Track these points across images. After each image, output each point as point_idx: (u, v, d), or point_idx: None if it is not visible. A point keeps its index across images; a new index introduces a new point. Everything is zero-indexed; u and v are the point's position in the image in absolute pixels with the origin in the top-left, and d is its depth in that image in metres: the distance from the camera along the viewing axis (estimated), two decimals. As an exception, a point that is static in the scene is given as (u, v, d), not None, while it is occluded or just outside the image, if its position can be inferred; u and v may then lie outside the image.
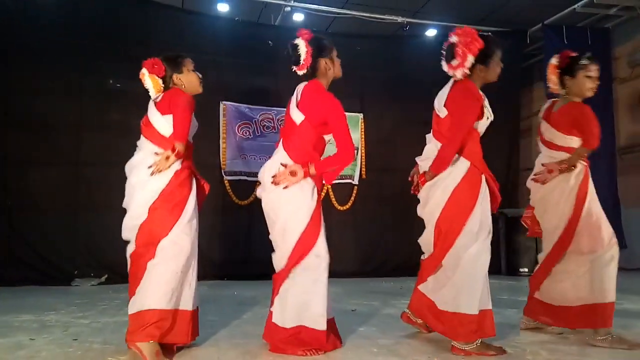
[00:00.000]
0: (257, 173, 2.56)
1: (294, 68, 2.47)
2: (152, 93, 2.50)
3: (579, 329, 2.74)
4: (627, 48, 6.74)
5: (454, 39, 2.52)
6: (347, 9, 6.49)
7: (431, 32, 7.07)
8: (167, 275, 2.22)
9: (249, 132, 5.73)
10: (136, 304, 2.21)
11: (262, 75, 5.91)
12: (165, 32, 5.56)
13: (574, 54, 2.83)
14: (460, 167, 2.43)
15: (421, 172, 2.59)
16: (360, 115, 6.28)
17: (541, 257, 2.86)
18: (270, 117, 5.83)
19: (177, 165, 2.32)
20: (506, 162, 6.69)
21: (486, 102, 2.53)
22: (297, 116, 2.40)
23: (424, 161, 2.58)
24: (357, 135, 6.24)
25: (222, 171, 5.56)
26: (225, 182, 5.57)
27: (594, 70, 2.76)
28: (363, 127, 6.27)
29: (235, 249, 5.56)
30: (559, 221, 2.71)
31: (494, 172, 6.26)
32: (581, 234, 2.66)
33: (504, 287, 4.93)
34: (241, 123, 5.71)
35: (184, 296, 2.30)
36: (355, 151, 6.21)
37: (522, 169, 7.09)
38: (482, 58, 2.48)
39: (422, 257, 2.69)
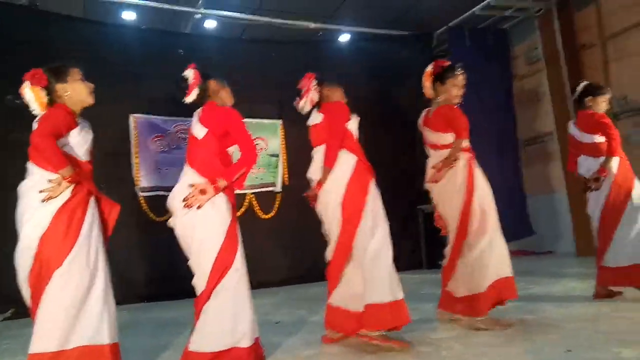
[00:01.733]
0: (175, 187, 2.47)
1: (184, 99, 2.53)
2: (35, 108, 2.29)
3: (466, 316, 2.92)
4: (524, 47, 7.26)
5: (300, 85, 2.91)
6: (260, 15, 6.45)
7: (345, 37, 7.21)
8: (56, 313, 2.06)
9: (164, 144, 5.51)
10: (31, 344, 2.04)
11: (175, 85, 5.69)
12: (69, 43, 5.21)
13: (447, 64, 3.13)
14: (347, 162, 2.65)
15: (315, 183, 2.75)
16: (280, 122, 6.26)
17: (447, 251, 3.05)
18: (186, 128, 5.62)
19: (67, 192, 2.15)
20: (421, 161, 6.94)
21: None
22: (200, 131, 2.42)
23: (315, 172, 2.74)
24: (277, 142, 6.22)
25: (136, 187, 5.31)
26: (141, 198, 5.32)
27: (461, 80, 3.05)
28: (283, 133, 6.25)
29: (157, 268, 5.32)
30: (455, 215, 2.93)
31: (409, 172, 6.46)
32: (472, 225, 2.87)
33: (425, 281, 5.10)
34: (155, 136, 5.48)
35: (83, 331, 2.11)
36: (276, 158, 6.27)
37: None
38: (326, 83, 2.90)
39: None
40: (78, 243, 2.13)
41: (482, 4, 6.39)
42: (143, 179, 5.33)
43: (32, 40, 5.05)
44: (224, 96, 2.58)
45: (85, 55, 5.16)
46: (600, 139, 3.29)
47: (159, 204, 5.37)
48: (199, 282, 2.31)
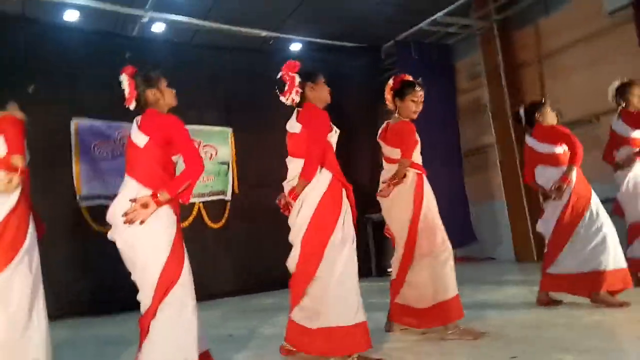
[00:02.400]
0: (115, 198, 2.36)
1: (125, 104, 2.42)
2: None
3: (436, 327, 2.95)
4: (467, 62, 7.58)
5: (279, 74, 2.73)
6: (210, 20, 6.36)
7: (296, 46, 7.25)
8: None
9: (108, 151, 5.29)
10: None
11: (120, 89, 5.49)
12: (5, 43, 4.92)
13: (407, 79, 3.16)
14: (323, 179, 2.57)
15: (287, 191, 2.66)
16: (230, 129, 6.19)
17: (394, 262, 3.08)
18: (131, 134, 5.46)
19: (13, 199, 2.03)
20: (370, 170, 7.06)
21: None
22: (141, 139, 2.27)
23: (290, 182, 2.66)
24: (227, 150, 6.14)
25: (77, 196, 5.06)
26: (82, 208, 5.07)
27: (419, 96, 3.10)
28: (233, 140, 6.18)
29: (99, 280, 5.08)
30: (403, 228, 2.97)
31: (359, 182, 6.53)
32: (421, 238, 2.93)
33: (375, 290, 5.18)
34: (98, 142, 5.25)
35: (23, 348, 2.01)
36: (226, 166, 6.19)
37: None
38: (308, 78, 2.71)
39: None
40: (20, 254, 2.02)
41: (428, 19, 6.62)
42: (84, 187, 5.09)
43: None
44: (167, 101, 2.44)
45: (24, 55, 4.92)
46: (559, 149, 3.42)
47: (102, 214, 5.14)
48: (144, 299, 2.21)
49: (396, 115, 3.15)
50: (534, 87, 6.61)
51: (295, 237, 2.59)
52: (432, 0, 6.51)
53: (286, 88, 2.66)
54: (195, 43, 6.87)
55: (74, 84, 5.24)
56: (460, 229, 6.85)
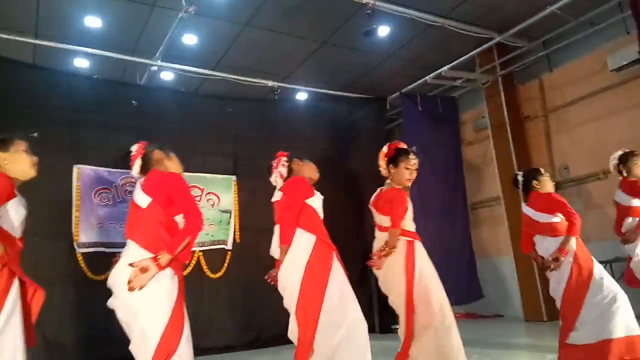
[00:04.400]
0: (117, 243, 2.31)
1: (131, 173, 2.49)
2: None
3: None
4: (472, 114, 7.61)
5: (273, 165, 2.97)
6: (218, 70, 6.46)
7: (302, 96, 7.32)
8: None
9: (108, 197, 5.22)
10: None
11: (124, 136, 5.49)
12: (16, 90, 4.96)
13: (401, 146, 3.19)
14: (306, 243, 2.57)
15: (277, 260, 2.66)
16: (234, 177, 6.13)
17: (400, 333, 2.95)
18: (133, 180, 5.40)
19: None
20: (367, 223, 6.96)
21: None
22: (143, 199, 2.26)
23: (274, 250, 2.68)
24: (230, 198, 6.06)
25: (75, 243, 4.94)
26: (78, 255, 4.93)
27: (413, 164, 3.10)
28: (236, 189, 6.11)
29: (92, 330, 4.89)
30: (400, 300, 2.87)
31: (360, 232, 6.37)
32: (418, 309, 2.83)
33: (379, 350, 4.93)
34: (99, 188, 5.19)
35: None
36: (228, 214, 6.09)
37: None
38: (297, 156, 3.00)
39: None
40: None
41: (434, 73, 6.69)
42: (82, 234, 4.98)
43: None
44: (169, 165, 2.49)
45: (32, 102, 4.95)
46: (556, 219, 3.30)
47: (98, 261, 5.04)
48: None
49: (389, 181, 3.14)
50: (540, 141, 6.59)
51: (290, 303, 2.53)
52: (437, 55, 6.62)
53: (274, 165, 2.84)
54: (202, 91, 6.95)
55: (80, 130, 5.25)
56: (467, 285, 6.64)
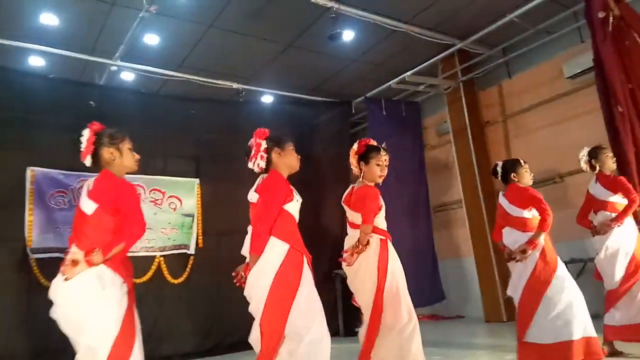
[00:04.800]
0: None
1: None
2: None
3: None
4: (434, 119, 7.75)
5: (251, 141, 2.69)
6: (181, 71, 6.34)
7: (267, 99, 7.27)
8: None
9: (64, 201, 5.01)
10: None
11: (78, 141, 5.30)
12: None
13: (371, 143, 3.17)
14: (278, 251, 2.43)
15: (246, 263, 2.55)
16: (197, 180, 6.01)
17: (361, 333, 2.93)
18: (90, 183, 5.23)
19: None
20: (340, 225, 6.96)
21: (294, 189, 2.68)
22: (89, 206, 2.17)
23: (246, 251, 2.55)
24: (193, 201, 5.93)
25: (28, 249, 4.72)
26: (31, 260, 4.72)
27: (383, 160, 3.10)
28: (200, 192, 6.00)
29: (46, 340, 4.68)
30: (369, 298, 2.85)
31: (329, 236, 6.34)
32: (387, 309, 2.82)
33: (343, 353, 4.94)
34: (54, 191, 4.99)
35: None
36: (191, 218, 5.96)
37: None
38: (275, 144, 2.67)
39: None
40: None
41: (398, 78, 6.78)
42: (36, 239, 4.77)
43: None
44: (126, 162, 2.38)
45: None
46: (528, 214, 3.34)
47: (53, 267, 4.80)
48: None
49: (361, 179, 3.13)
50: (500, 145, 6.77)
51: (256, 311, 2.43)
52: (401, 60, 6.71)
53: (252, 153, 2.63)
54: (164, 93, 6.81)
55: (34, 131, 5.03)
56: (429, 286, 6.74)
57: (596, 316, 4.90)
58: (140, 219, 2.22)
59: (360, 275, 2.90)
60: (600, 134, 4.52)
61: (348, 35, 5.93)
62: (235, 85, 6.53)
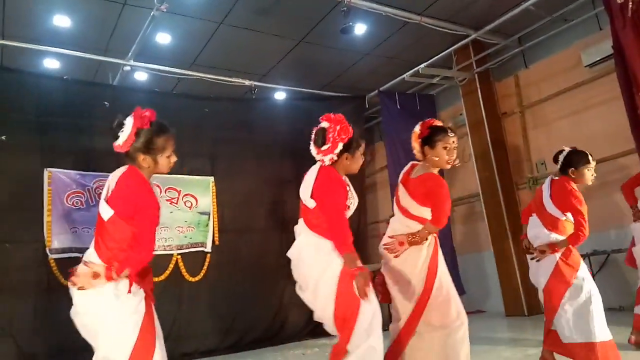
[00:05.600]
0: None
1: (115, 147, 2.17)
2: None
3: None
4: (450, 111, 7.63)
5: (325, 124, 2.50)
6: (194, 69, 6.35)
7: (280, 95, 7.25)
8: None
9: (81, 201, 5.06)
10: None
11: (97, 138, 5.34)
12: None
13: (436, 124, 2.80)
14: (339, 256, 2.32)
15: (292, 266, 2.46)
16: (212, 179, 6.02)
17: (394, 328, 2.72)
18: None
19: None
20: (355, 218, 6.93)
21: (351, 188, 2.52)
22: (106, 211, 2.05)
23: (294, 254, 2.45)
24: (208, 200, 5.95)
25: (47, 249, 4.78)
26: (51, 261, 4.77)
27: (451, 142, 2.72)
28: (215, 190, 6.01)
29: (66, 339, 4.72)
30: (412, 294, 2.61)
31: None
32: (432, 308, 2.58)
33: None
34: (71, 192, 5.03)
35: None
36: (206, 216, 5.98)
37: (369, 223, 7.50)
38: (350, 147, 2.49)
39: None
40: None
41: (411, 71, 6.69)
42: (55, 240, 4.83)
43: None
44: (157, 170, 2.21)
45: (0, 105, 4.79)
46: (563, 217, 3.07)
47: (72, 266, 4.87)
48: None
49: (426, 164, 2.75)
50: (517, 137, 6.64)
51: (322, 314, 2.35)
52: (414, 52, 6.62)
53: (325, 148, 2.43)
54: (178, 91, 6.83)
55: (50, 132, 5.09)
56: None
57: (621, 309, 4.84)
58: (150, 243, 2.12)
59: (407, 268, 2.61)
60: (621, 123, 4.40)
61: (360, 29, 5.86)
62: (247, 82, 6.52)
